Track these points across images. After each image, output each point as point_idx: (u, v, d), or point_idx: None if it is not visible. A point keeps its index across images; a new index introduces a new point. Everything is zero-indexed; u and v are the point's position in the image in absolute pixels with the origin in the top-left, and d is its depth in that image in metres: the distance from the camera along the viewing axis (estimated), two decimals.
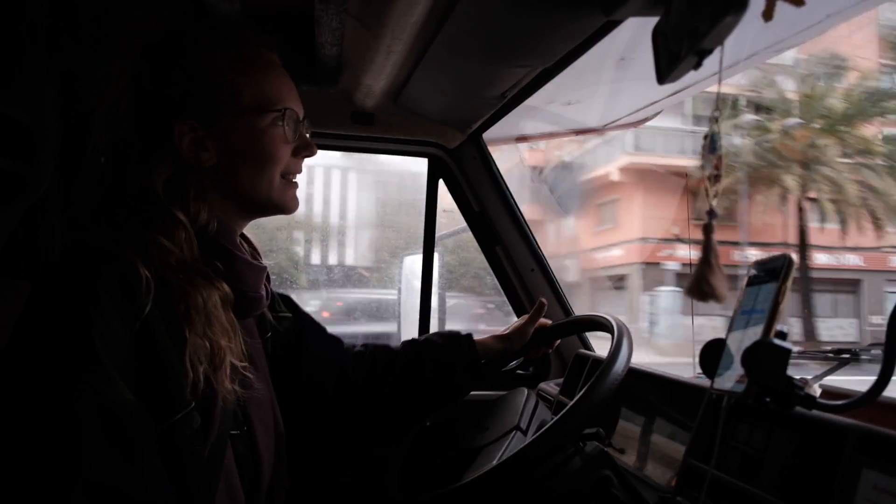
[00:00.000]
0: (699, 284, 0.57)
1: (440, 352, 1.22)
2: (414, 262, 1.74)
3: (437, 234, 1.68)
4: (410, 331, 1.72)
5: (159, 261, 0.77)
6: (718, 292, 0.57)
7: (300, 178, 0.97)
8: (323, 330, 1.19)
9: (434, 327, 1.72)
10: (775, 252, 0.76)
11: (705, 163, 0.58)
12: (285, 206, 0.93)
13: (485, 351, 1.25)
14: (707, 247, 0.57)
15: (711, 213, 0.58)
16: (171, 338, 0.75)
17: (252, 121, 0.87)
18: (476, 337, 1.26)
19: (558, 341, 1.39)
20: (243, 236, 0.99)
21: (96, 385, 0.67)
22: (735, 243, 13.11)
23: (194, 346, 0.76)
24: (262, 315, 1.04)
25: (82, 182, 0.87)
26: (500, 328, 1.33)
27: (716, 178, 0.58)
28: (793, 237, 14.47)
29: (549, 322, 1.34)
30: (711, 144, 0.58)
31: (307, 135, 0.95)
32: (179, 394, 0.74)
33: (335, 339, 1.20)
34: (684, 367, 1.18)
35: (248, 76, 0.87)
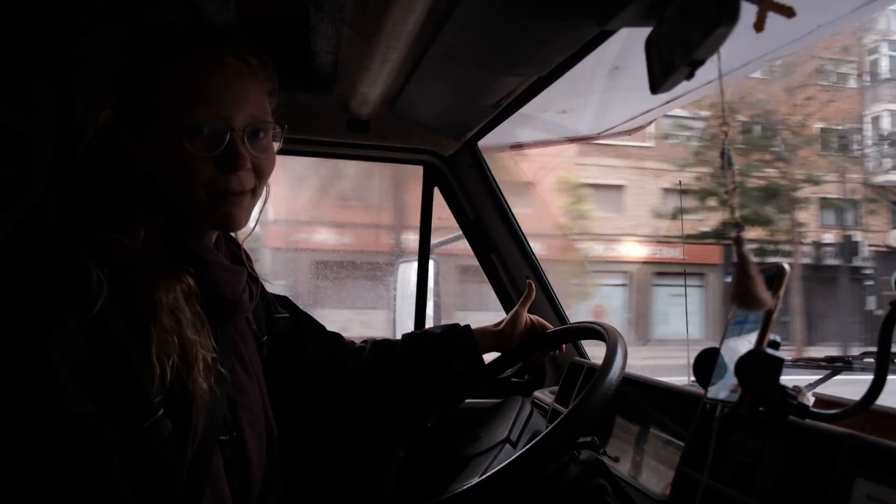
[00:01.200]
0: (744, 295, 0.59)
1: (438, 340, 1.24)
2: (407, 270, 1.73)
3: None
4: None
5: (118, 259, 0.75)
6: (761, 299, 0.59)
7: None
8: (322, 327, 1.20)
9: None
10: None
11: (727, 177, 0.59)
12: (218, 223, 0.86)
13: (482, 337, 1.27)
14: (742, 258, 0.59)
15: (739, 226, 0.60)
16: (133, 336, 0.74)
17: (168, 130, 0.81)
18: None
19: (563, 348, 1.39)
20: (231, 240, 0.98)
21: (51, 399, 0.66)
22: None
23: (161, 342, 0.75)
24: (257, 319, 1.04)
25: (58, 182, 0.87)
26: None
27: (734, 191, 0.59)
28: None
29: (549, 326, 1.34)
30: (729, 160, 0.59)
31: (254, 142, 0.84)
32: (144, 401, 0.73)
33: (335, 336, 1.21)
34: None
35: (169, 80, 0.81)
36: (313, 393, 1.12)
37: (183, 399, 0.77)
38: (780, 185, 13.31)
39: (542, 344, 1.33)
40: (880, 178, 15.66)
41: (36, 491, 0.63)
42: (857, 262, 14.55)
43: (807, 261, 14.39)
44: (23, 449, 0.64)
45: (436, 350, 1.22)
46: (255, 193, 0.87)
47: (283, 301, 1.15)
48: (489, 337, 1.28)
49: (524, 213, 1.70)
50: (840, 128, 15.15)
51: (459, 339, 1.24)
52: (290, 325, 1.12)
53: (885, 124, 15.80)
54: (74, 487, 0.65)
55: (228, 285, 0.88)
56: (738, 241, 0.59)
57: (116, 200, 0.81)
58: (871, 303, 14.57)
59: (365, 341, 1.25)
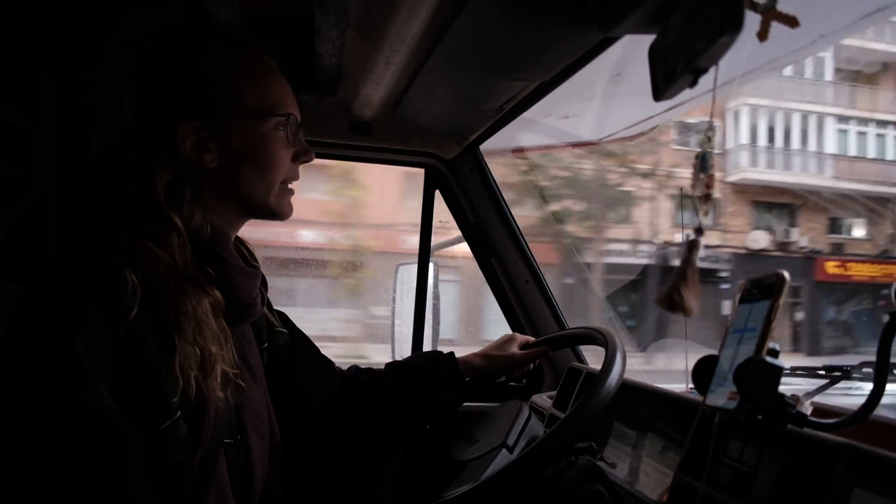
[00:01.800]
0: (670, 295, 0.58)
1: (422, 370, 1.21)
2: (406, 272, 1.73)
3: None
4: (403, 343, 1.71)
5: (148, 268, 0.76)
6: (688, 305, 0.57)
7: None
8: (316, 349, 1.18)
9: (427, 339, 1.71)
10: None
11: (696, 182, 0.58)
12: (281, 211, 0.93)
13: (467, 368, 1.25)
14: (687, 261, 0.58)
15: (699, 231, 0.59)
16: (159, 345, 0.74)
17: (255, 124, 0.87)
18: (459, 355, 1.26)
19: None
20: (239, 240, 0.98)
21: (79, 394, 0.66)
22: None
23: (184, 353, 0.75)
24: (259, 324, 1.03)
25: (79, 185, 0.85)
26: None
27: (707, 198, 0.58)
28: None
29: (531, 339, 1.35)
30: (703, 163, 0.59)
31: (304, 141, 0.95)
32: (165, 403, 0.74)
33: (327, 361, 1.19)
34: None
35: (253, 80, 0.88)
36: (300, 413, 1.08)
37: (198, 405, 0.77)
38: (600, 180, 12.25)
39: (540, 351, 1.34)
40: (736, 177, 15.01)
41: (64, 486, 0.63)
42: (711, 265, 13.59)
43: (650, 261, 13.28)
44: (50, 443, 0.64)
45: (419, 381, 1.20)
46: None
47: (283, 317, 1.14)
48: (474, 366, 1.26)
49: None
50: (695, 121, 13.81)
51: (443, 368, 1.21)
52: (287, 341, 1.10)
53: (744, 119, 15.14)
54: (101, 481, 0.66)
55: (245, 288, 0.89)
56: (692, 245, 0.59)
57: (158, 204, 0.80)
58: (727, 307, 13.28)
59: (349, 369, 1.23)
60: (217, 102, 0.85)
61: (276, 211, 0.92)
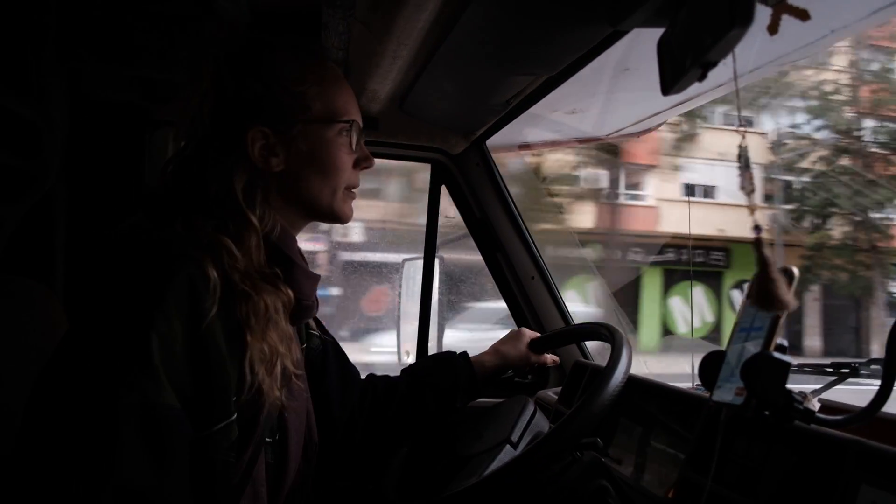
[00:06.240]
0: (766, 297, 0.57)
1: (438, 377, 1.23)
2: (412, 268, 1.73)
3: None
4: (409, 335, 1.71)
5: (227, 265, 0.77)
6: (785, 301, 0.57)
7: None
8: (345, 358, 1.19)
9: (433, 334, 1.72)
10: None
11: (745, 182, 0.57)
12: (344, 215, 0.95)
13: (481, 368, 1.27)
14: (762, 260, 0.57)
15: (758, 228, 0.58)
16: (229, 343, 0.75)
17: (321, 130, 0.89)
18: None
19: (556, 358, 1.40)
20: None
21: (144, 386, 0.67)
22: None
23: (255, 350, 0.76)
24: (299, 327, 1.04)
25: (161, 184, 0.86)
26: None
27: (751, 193, 0.57)
28: None
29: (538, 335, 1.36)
30: (745, 161, 0.57)
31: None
32: (226, 403, 0.74)
33: (354, 371, 1.20)
34: None
35: (320, 87, 0.89)
36: (325, 421, 1.09)
37: (255, 406, 0.78)
38: None
39: (546, 346, 1.34)
40: None
41: (112, 474, 0.64)
42: None
43: None
44: (107, 431, 0.65)
45: (435, 388, 1.22)
46: None
47: (316, 321, 1.15)
48: (487, 366, 1.28)
49: None
50: None
51: (459, 371, 1.24)
52: (318, 346, 1.11)
53: None
54: (148, 477, 0.66)
55: (307, 290, 0.90)
56: (758, 243, 0.58)
57: (237, 205, 0.82)
58: None
59: (367, 377, 1.24)
60: (285, 108, 0.86)
61: (339, 215, 0.94)
